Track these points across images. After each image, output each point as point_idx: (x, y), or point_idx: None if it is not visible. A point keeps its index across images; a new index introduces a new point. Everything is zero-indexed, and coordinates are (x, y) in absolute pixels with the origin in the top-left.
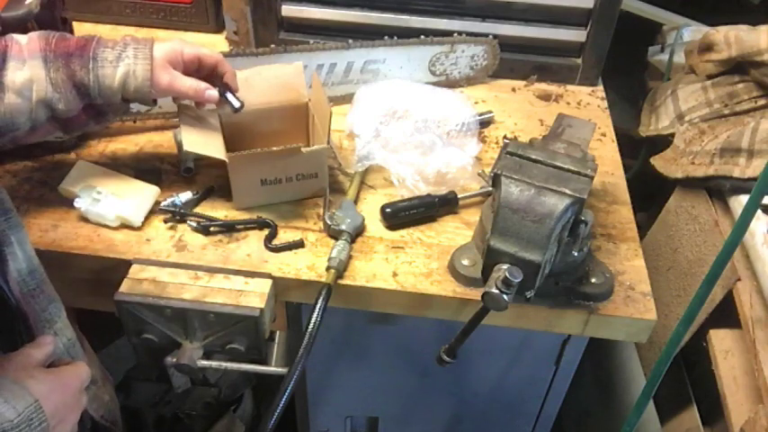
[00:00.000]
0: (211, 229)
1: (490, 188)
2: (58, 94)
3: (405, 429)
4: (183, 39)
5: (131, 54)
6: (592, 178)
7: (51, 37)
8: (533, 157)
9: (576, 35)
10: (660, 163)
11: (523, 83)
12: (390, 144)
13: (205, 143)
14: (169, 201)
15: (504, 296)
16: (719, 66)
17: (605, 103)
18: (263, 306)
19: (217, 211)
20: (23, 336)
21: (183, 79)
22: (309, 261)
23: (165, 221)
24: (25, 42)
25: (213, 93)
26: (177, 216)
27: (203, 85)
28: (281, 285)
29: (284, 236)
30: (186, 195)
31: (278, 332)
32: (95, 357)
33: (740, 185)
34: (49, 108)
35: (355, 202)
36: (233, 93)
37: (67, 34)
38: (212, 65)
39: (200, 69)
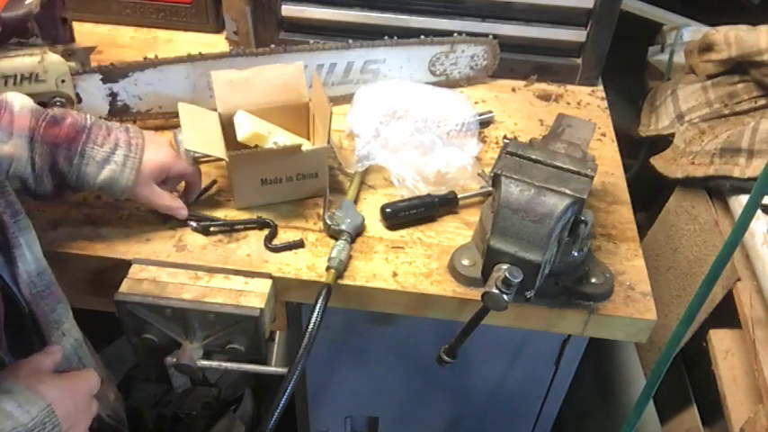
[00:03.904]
0: (211, 229)
1: (490, 188)
2: (35, 176)
3: (405, 429)
4: (169, 148)
5: (120, 160)
6: (592, 178)
7: (42, 119)
8: (533, 157)
9: (576, 35)
10: (660, 163)
11: (523, 83)
12: (390, 144)
13: (205, 142)
14: None
15: (504, 296)
16: (719, 66)
17: (605, 103)
18: (263, 306)
19: (217, 211)
20: (34, 338)
21: (160, 197)
22: (309, 261)
23: (165, 221)
24: (17, 112)
25: (185, 213)
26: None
27: (177, 203)
28: (281, 285)
29: (284, 236)
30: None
31: (278, 332)
32: (98, 357)
33: (740, 185)
34: (22, 183)
35: (355, 202)
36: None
37: (61, 117)
38: (188, 180)
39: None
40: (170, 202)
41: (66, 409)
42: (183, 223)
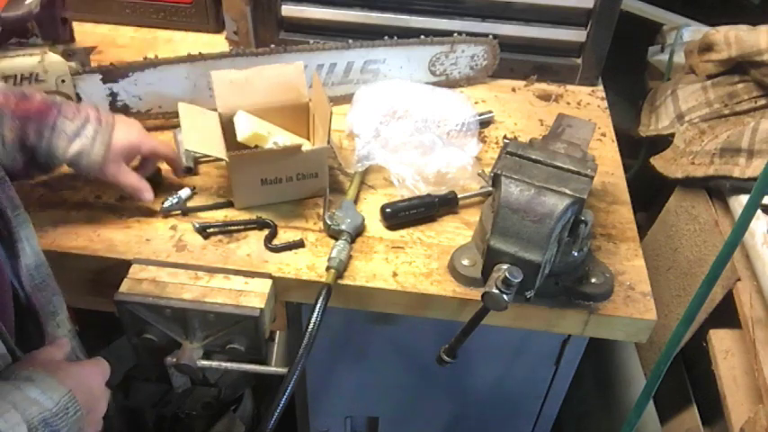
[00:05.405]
0: (211, 229)
1: (490, 188)
2: (5, 150)
3: (405, 429)
4: (140, 129)
5: (90, 134)
6: (592, 178)
7: (14, 96)
8: (533, 157)
9: (576, 35)
10: (660, 163)
11: (523, 83)
12: (390, 144)
13: (205, 142)
14: (171, 202)
15: (504, 296)
16: (719, 66)
17: (605, 103)
18: (263, 306)
19: (217, 211)
20: (32, 329)
21: (128, 176)
22: (309, 261)
23: (166, 216)
24: None
25: (150, 196)
26: (180, 211)
27: (144, 185)
28: (281, 285)
29: (284, 236)
30: (186, 192)
31: (278, 332)
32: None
33: (740, 185)
34: None
35: (355, 202)
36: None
37: (31, 94)
38: (162, 158)
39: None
40: (137, 182)
41: (83, 395)
42: (183, 223)
